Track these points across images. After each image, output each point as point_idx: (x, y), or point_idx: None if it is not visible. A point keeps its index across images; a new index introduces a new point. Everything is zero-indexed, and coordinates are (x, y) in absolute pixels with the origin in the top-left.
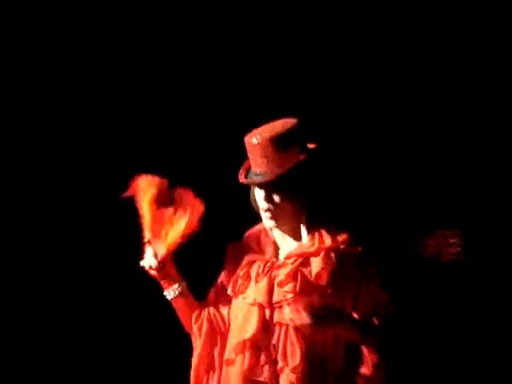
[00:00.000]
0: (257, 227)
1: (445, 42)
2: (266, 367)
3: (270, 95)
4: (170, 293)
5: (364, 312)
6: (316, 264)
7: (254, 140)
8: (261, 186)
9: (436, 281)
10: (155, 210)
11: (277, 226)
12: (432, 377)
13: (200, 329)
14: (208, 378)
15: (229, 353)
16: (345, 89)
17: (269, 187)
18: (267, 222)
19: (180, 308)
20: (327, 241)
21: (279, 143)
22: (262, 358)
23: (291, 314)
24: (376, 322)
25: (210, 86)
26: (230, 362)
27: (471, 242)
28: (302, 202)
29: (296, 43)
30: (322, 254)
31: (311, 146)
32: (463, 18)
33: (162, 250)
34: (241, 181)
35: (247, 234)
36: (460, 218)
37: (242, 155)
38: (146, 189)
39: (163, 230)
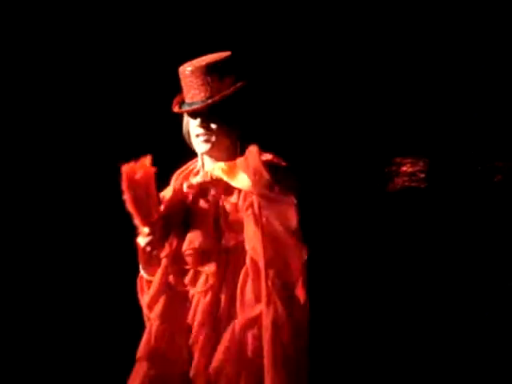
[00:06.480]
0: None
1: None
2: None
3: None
4: None
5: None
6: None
7: (189, 69)
8: (196, 113)
9: (400, 208)
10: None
11: (209, 152)
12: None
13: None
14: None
15: None
16: (282, 23)
17: (204, 114)
18: (201, 146)
19: None
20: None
21: (215, 70)
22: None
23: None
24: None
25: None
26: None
27: (433, 168)
28: (236, 134)
29: None
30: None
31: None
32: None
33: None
34: (176, 111)
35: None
36: (421, 145)
37: None
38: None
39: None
